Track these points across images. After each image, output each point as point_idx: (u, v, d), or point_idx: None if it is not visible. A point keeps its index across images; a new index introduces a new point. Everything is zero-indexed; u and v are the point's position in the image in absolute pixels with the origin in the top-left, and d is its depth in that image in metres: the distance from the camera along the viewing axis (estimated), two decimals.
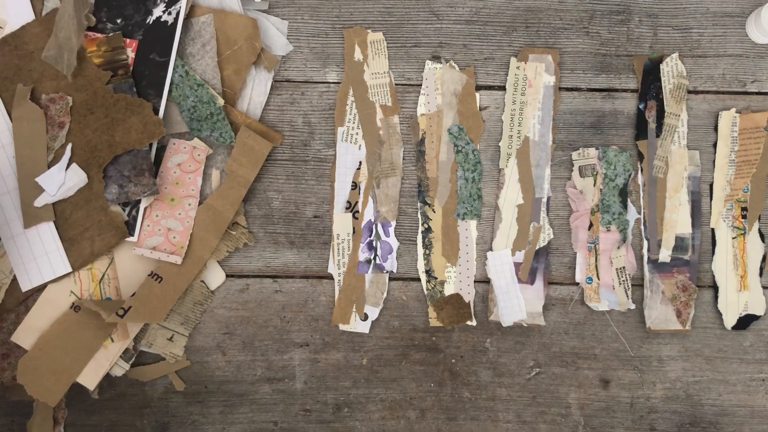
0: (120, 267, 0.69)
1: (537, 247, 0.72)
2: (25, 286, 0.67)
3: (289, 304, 0.72)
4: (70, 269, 0.67)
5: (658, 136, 0.72)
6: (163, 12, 0.69)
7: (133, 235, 0.68)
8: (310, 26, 0.73)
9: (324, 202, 0.72)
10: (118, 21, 0.69)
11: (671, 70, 0.73)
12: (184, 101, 0.69)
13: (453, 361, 0.72)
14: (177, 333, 0.70)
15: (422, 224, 0.72)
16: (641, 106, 0.73)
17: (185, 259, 0.68)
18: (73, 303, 0.67)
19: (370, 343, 0.72)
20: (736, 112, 0.73)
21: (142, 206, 0.68)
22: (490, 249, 0.72)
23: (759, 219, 0.73)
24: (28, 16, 0.69)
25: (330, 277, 0.72)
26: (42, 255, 0.67)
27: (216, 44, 0.70)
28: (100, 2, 0.69)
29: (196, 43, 0.70)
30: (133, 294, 0.67)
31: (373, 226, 0.72)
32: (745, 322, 0.72)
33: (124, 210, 0.68)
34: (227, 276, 0.72)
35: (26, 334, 0.67)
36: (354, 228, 0.71)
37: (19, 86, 0.67)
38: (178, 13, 0.69)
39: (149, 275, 0.68)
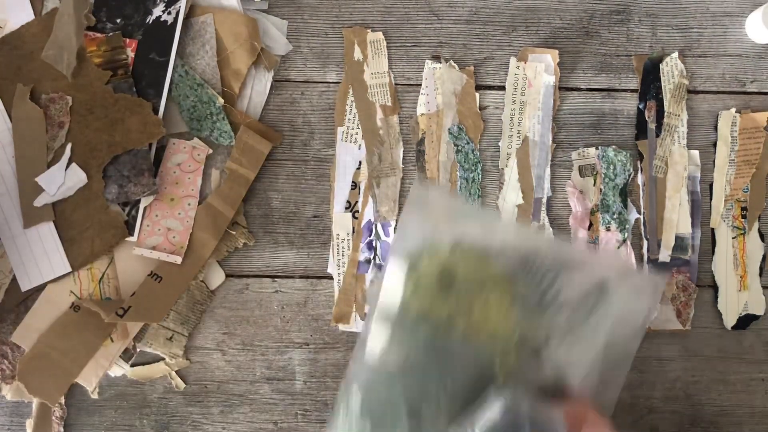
0: (120, 267, 0.69)
1: None
2: (25, 286, 0.67)
3: (289, 304, 0.72)
4: (69, 269, 0.67)
5: (658, 135, 0.72)
6: (163, 12, 0.69)
7: (132, 235, 0.68)
8: (310, 26, 0.73)
9: (324, 201, 0.72)
10: (118, 21, 0.69)
11: (671, 70, 0.73)
12: (184, 101, 0.69)
13: None
14: (177, 333, 0.70)
15: None
16: (641, 106, 0.73)
17: (185, 259, 0.68)
18: (73, 303, 0.67)
19: None
20: (736, 112, 0.73)
21: (141, 206, 0.68)
22: None
23: (759, 219, 0.73)
24: (28, 16, 0.69)
25: (330, 277, 0.72)
26: (42, 255, 0.67)
27: (216, 44, 0.70)
28: (100, 2, 0.69)
29: (196, 43, 0.70)
30: (133, 294, 0.67)
31: (373, 226, 0.72)
32: (745, 322, 0.72)
33: (123, 210, 0.68)
34: (227, 276, 0.72)
35: (26, 334, 0.67)
36: (354, 228, 0.71)
37: (19, 86, 0.67)
38: (177, 13, 0.69)
39: (149, 275, 0.68)
